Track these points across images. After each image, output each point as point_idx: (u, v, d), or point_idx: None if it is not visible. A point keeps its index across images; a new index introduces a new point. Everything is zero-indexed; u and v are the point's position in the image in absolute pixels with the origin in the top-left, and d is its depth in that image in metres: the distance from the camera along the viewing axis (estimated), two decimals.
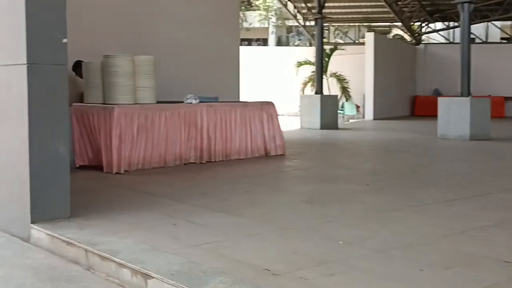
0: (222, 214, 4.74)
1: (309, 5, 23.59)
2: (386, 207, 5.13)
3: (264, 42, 34.24)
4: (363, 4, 24.51)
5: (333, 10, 24.46)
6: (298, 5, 23.86)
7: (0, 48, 4.54)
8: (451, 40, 24.99)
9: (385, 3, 21.71)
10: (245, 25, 30.10)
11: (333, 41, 26.68)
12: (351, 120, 19.83)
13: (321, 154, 9.74)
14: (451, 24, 24.52)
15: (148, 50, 9.69)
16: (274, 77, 24.48)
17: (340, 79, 21.15)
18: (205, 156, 7.75)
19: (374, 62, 20.02)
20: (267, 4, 31.23)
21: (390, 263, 3.53)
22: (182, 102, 7.84)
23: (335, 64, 20.79)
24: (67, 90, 4.58)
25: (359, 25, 26.89)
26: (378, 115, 20.06)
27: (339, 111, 17.18)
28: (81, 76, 7.96)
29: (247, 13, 31.33)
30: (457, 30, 24.51)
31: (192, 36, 10.80)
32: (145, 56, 7.40)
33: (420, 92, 24.06)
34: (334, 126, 15.28)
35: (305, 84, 21.60)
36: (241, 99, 12.38)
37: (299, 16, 24.31)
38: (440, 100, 12.59)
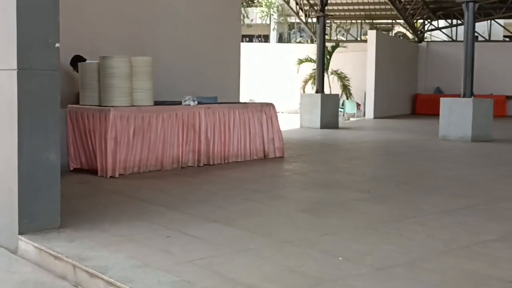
0: (218, 225, 4.59)
1: (311, 2, 23.42)
2: (387, 217, 4.99)
3: (265, 38, 34.05)
4: (365, 1, 24.35)
5: (335, 7, 24.31)
6: (300, 1, 23.67)
7: None
8: (454, 38, 24.79)
9: (388, 0, 21.52)
10: (247, 21, 29.91)
11: (334, 38, 26.49)
12: (351, 119, 19.69)
13: (321, 157, 9.59)
14: (454, 22, 24.33)
15: (148, 49, 9.57)
16: (275, 74, 24.34)
17: (341, 77, 21.00)
18: (203, 159, 7.61)
19: (376, 60, 19.86)
20: (269, 0, 31.02)
21: (392, 283, 3.38)
22: (180, 102, 7.69)
23: (336, 61, 20.64)
24: (59, 96, 4.43)
25: (361, 22, 26.69)
26: (379, 114, 19.91)
27: (339, 109, 17.04)
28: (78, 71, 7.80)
29: (249, 9, 31.13)
30: (460, 28, 24.34)
31: (192, 34, 10.66)
32: (142, 57, 7.24)
33: (422, 91, 23.90)
34: (335, 126, 15.14)
35: (306, 81, 21.46)
36: (241, 97, 12.27)
37: (301, 13, 24.14)
38: (442, 100, 12.44)
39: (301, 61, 21.42)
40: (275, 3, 31.40)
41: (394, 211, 5.25)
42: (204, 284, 3.21)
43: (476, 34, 20.32)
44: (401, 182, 6.86)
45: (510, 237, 4.48)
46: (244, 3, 27.97)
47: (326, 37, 18.90)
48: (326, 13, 15.86)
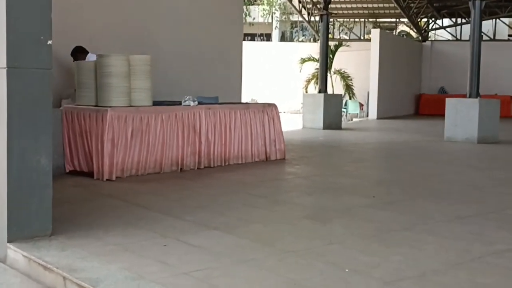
0: (217, 232, 4.37)
1: (314, 0, 23.16)
2: (395, 225, 4.76)
3: (268, 37, 33.80)
4: None
5: (338, 5, 24.06)
6: (304, 0, 23.42)
7: None
8: (459, 37, 24.54)
9: None
10: (249, 19, 29.68)
11: (337, 37, 26.26)
12: (354, 119, 19.46)
13: (324, 159, 9.37)
14: (459, 20, 24.08)
15: (148, 47, 9.37)
16: (277, 73, 24.12)
17: (344, 77, 20.78)
18: (203, 161, 7.39)
19: (380, 59, 19.61)
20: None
21: None
22: (180, 102, 7.47)
23: (339, 60, 20.41)
24: (51, 96, 4.21)
25: (364, 21, 26.44)
26: (382, 114, 19.67)
27: (342, 109, 16.81)
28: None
29: (251, 7, 30.90)
30: (465, 27, 24.09)
31: (193, 33, 10.46)
32: (141, 56, 7.01)
33: (425, 90, 23.66)
34: (338, 126, 14.90)
35: (308, 81, 21.23)
36: (243, 97, 12.06)
37: (303, 11, 23.88)
38: (448, 100, 12.20)
39: (303, 60, 21.19)
40: (277, 1, 31.15)
41: (402, 218, 5.03)
42: None
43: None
44: (407, 187, 6.63)
45: None
46: (246, 1, 27.76)
47: (329, 36, 18.67)
48: (329, 11, 15.61)
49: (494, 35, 24.02)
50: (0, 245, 3.94)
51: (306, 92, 20.67)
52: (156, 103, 7.21)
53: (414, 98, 23.31)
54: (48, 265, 3.52)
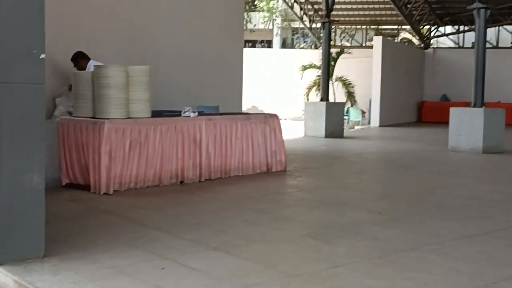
0: (217, 253, 4.19)
1: (315, 7, 23.07)
2: (402, 244, 4.58)
3: (269, 44, 33.67)
4: (371, 6, 23.98)
5: (340, 12, 23.94)
6: (305, 6, 23.33)
7: None
8: (461, 44, 24.40)
9: (394, 5, 21.15)
10: (249, 26, 29.55)
11: (339, 43, 26.11)
12: (356, 127, 19.30)
13: (327, 170, 9.18)
14: (462, 28, 23.96)
15: (148, 55, 9.24)
16: (278, 80, 23.99)
17: (346, 84, 20.62)
18: (204, 173, 7.21)
19: (382, 67, 19.45)
20: (270, 6, 30.65)
21: None
22: (180, 112, 7.30)
23: (340, 67, 20.25)
24: (44, 112, 4.05)
25: (366, 28, 26.30)
26: (384, 122, 19.50)
27: (344, 117, 16.64)
28: (80, 69, 7.47)
29: (252, 14, 30.78)
30: (467, 34, 23.96)
31: (194, 40, 10.33)
32: (139, 67, 6.84)
33: (428, 98, 23.50)
34: (340, 135, 14.72)
35: (309, 88, 21.07)
36: (244, 104, 11.90)
37: (305, 18, 23.78)
38: (452, 110, 12.03)
39: (305, 68, 21.02)
40: (277, 8, 31.03)
41: (409, 237, 4.85)
42: None
43: None
44: (413, 201, 6.45)
45: None
46: (247, 7, 27.64)
47: (331, 43, 18.52)
48: (331, 18, 15.45)
49: (497, 43, 23.87)
50: None
51: (308, 99, 20.50)
52: (155, 113, 7.03)
53: (416, 105, 23.14)
54: None
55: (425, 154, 11.63)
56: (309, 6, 23.26)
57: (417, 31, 23.78)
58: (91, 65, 7.38)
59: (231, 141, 7.57)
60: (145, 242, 4.43)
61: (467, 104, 11.98)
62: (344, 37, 27.23)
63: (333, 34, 24.42)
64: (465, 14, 20.52)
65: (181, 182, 6.98)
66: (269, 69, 24.06)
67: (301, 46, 32.35)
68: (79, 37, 8.10)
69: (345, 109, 18.66)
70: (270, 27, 32.42)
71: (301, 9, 23.52)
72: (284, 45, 33.11)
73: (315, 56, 21.21)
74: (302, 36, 33.30)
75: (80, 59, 7.64)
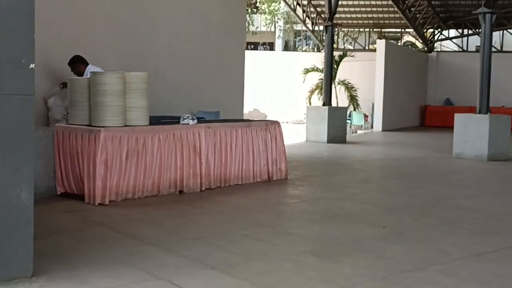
0: (215, 273, 3.99)
1: (318, 9, 22.88)
2: (407, 263, 4.37)
3: (271, 46, 33.48)
4: (374, 9, 23.80)
5: (343, 15, 23.76)
6: (307, 9, 23.15)
7: None
8: (465, 48, 24.18)
9: (397, 9, 20.96)
10: (251, 28, 29.38)
11: (341, 46, 25.92)
12: (359, 131, 19.10)
13: (329, 179, 8.96)
14: (465, 31, 23.75)
15: (147, 59, 9.07)
16: (280, 83, 23.82)
17: (349, 87, 20.43)
18: (203, 182, 7.02)
19: (385, 70, 19.26)
20: (272, 9, 30.47)
21: None
22: (179, 119, 7.11)
23: (343, 70, 20.07)
24: (33, 124, 3.86)
25: (369, 31, 26.10)
26: (387, 126, 19.30)
27: (346, 121, 16.44)
28: (77, 74, 7.29)
29: (254, 16, 30.61)
30: (471, 38, 23.75)
31: (194, 44, 10.19)
32: (137, 73, 6.64)
33: (431, 102, 23.30)
34: (342, 140, 14.52)
35: (312, 92, 20.88)
36: (245, 107, 11.73)
37: (307, 21, 23.60)
38: (456, 116, 11.83)
39: (307, 71, 20.83)
40: (279, 10, 30.85)
41: (415, 254, 4.64)
42: None
43: None
44: (418, 214, 6.24)
45: None
46: (249, 10, 27.46)
47: (334, 46, 18.32)
48: (334, 21, 15.26)
49: (502, 47, 23.66)
50: None
51: (310, 103, 20.31)
52: (153, 119, 6.84)
53: (420, 109, 22.94)
54: None
55: (430, 161, 11.42)
56: (312, 9, 23.09)
57: (420, 35, 23.59)
58: (88, 70, 7.20)
59: (231, 149, 7.38)
60: (140, 260, 4.23)
61: (471, 109, 11.79)
62: (347, 40, 27.04)
63: (336, 37, 24.24)
64: (469, 17, 20.35)
65: (180, 191, 6.79)
66: (271, 71, 23.89)
67: (304, 49, 32.16)
68: (76, 45, 7.92)
69: (348, 112, 18.47)
70: (272, 29, 32.24)
71: (303, 11, 23.36)
72: (286, 47, 32.92)
73: (318, 59, 21.02)
74: (305, 39, 33.11)
75: (78, 64, 7.46)
